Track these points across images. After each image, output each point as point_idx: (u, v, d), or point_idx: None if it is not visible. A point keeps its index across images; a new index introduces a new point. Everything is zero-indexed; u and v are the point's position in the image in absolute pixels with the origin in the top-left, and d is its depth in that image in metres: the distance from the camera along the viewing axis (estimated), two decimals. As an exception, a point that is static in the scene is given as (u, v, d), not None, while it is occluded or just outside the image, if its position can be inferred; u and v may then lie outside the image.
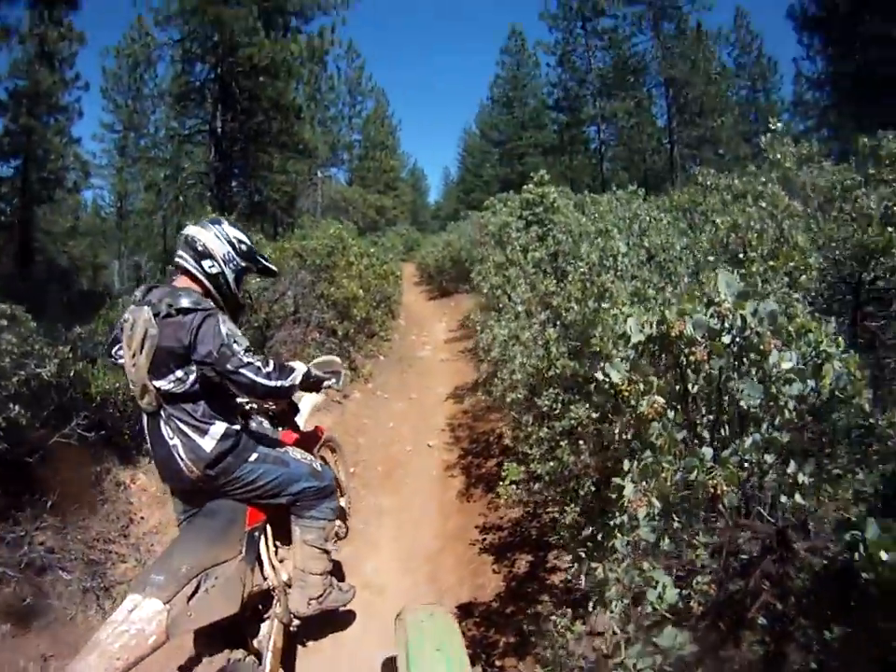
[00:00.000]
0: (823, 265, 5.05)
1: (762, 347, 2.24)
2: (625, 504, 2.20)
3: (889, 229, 4.46)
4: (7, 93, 19.06)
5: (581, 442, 4.50)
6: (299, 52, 22.81)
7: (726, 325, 2.30)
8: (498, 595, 5.36)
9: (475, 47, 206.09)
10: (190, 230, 3.38)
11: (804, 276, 4.59)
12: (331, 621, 4.34)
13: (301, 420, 4.26)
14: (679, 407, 2.55)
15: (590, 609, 2.55)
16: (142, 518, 5.86)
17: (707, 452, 2.24)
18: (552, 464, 5.08)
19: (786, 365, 2.25)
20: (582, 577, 2.49)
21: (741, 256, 4.88)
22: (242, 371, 3.08)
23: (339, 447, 5.03)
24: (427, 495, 7.43)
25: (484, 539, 6.22)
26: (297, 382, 3.36)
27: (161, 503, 5.92)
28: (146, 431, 3.35)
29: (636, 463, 2.25)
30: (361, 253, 13.22)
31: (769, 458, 2.36)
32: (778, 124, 6.53)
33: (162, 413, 3.21)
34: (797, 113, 32.86)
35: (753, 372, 2.34)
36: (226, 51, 21.81)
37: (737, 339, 2.29)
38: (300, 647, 4.20)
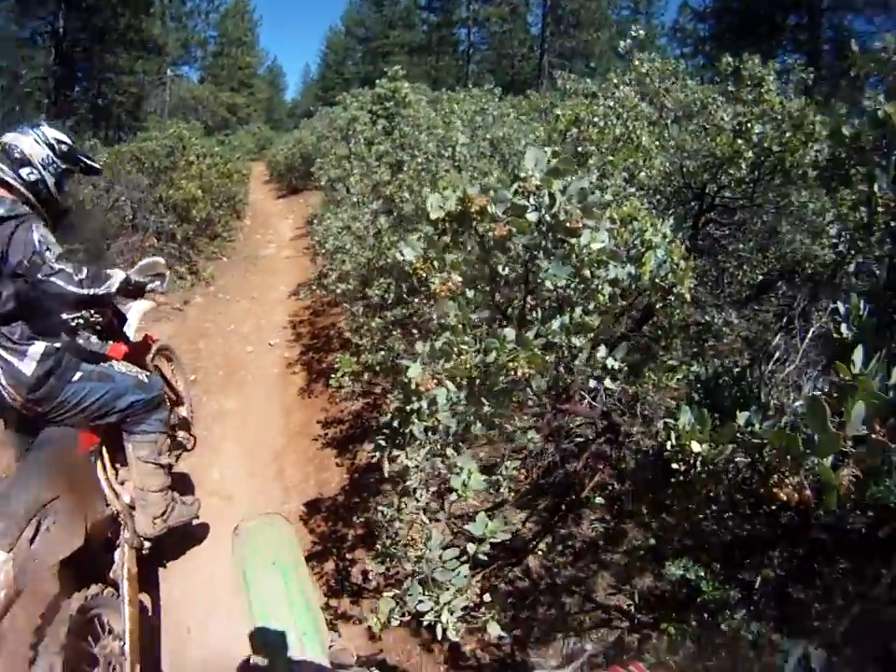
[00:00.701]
0: (670, 170, 5.14)
1: (569, 226, 2.13)
2: (413, 387, 2.11)
3: (739, 141, 4.53)
4: None
5: (415, 332, 4.48)
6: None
7: (532, 202, 2.16)
8: (343, 488, 5.38)
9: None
10: (7, 137, 3.17)
11: (643, 173, 4.65)
12: (185, 537, 4.27)
13: (130, 331, 4.12)
14: (479, 287, 2.47)
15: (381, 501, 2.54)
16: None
17: (509, 333, 2.14)
18: (382, 353, 5.07)
19: (596, 246, 2.17)
20: (385, 466, 2.43)
21: (579, 150, 4.84)
22: (52, 279, 2.91)
23: (175, 355, 4.89)
24: (269, 394, 7.34)
25: (327, 434, 6.22)
26: (113, 289, 3.20)
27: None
28: None
29: (427, 344, 2.14)
30: (203, 153, 12.76)
31: (578, 342, 2.30)
32: (640, 32, 6.44)
33: None
34: (675, 39, 33.16)
35: (561, 253, 2.25)
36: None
37: (546, 216, 2.15)
38: (160, 569, 4.19)
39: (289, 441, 6.28)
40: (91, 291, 3.05)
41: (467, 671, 3.66)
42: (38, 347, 3.07)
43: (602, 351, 2.43)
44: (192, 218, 11.21)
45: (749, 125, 4.55)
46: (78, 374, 3.23)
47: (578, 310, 2.27)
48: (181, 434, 4.44)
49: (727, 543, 2.58)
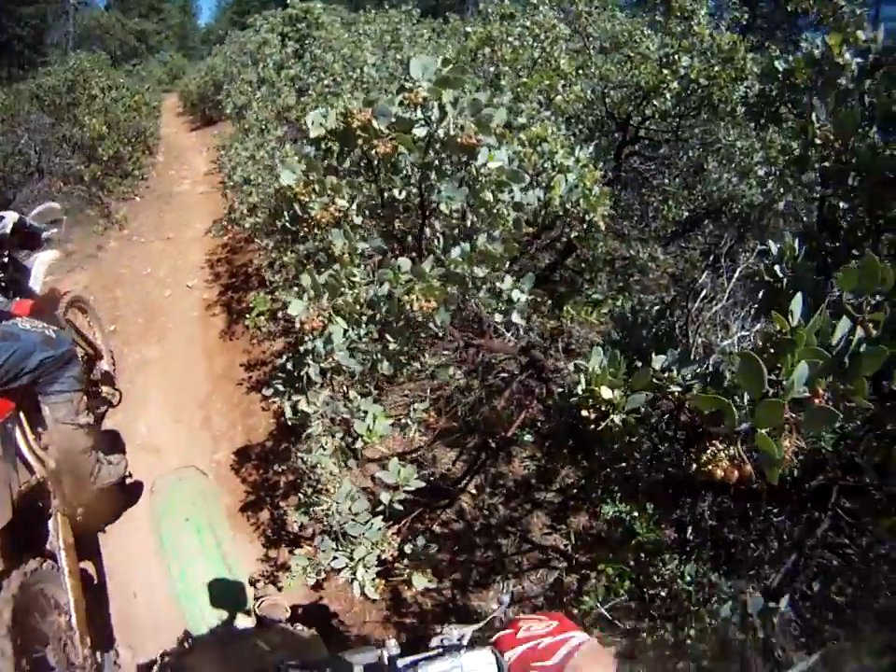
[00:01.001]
0: (592, 98, 5.03)
1: (462, 142, 1.93)
2: (297, 326, 1.96)
3: (665, 72, 4.47)
4: None
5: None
6: None
7: (419, 115, 1.96)
8: (271, 433, 5.30)
9: None
10: None
11: (559, 97, 4.46)
12: (120, 497, 4.12)
13: (35, 284, 3.92)
14: (372, 213, 2.34)
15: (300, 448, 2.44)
16: None
17: (404, 263, 1.96)
18: (296, 289, 4.82)
19: (494, 165, 1.98)
20: (287, 411, 2.29)
21: (492, 70, 4.68)
22: None
23: (90, 306, 4.64)
24: (190, 339, 7.18)
25: (251, 377, 6.13)
26: (7, 230, 3.13)
27: None
28: None
29: (307, 278, 1.97)
30: (108, 86, 12.24)
31: (481, 272, 2.11)
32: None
33: None
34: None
35: (456, 173, 2.09)
36: None
37: (439, 132, 1.97)
38: (99, 534, 4.03)
39: (214, 387, 6.18)
40: None
41: (409, 617, 3.62)
42: None
43: (507, 282, 2.28)
44: (100, 157, 10.73)
45: (676, 56, 4.50)
46: None
47: (481, 237, 2.07)
48: (105, 389, 4.27)
49: (658, 483, 2.53)
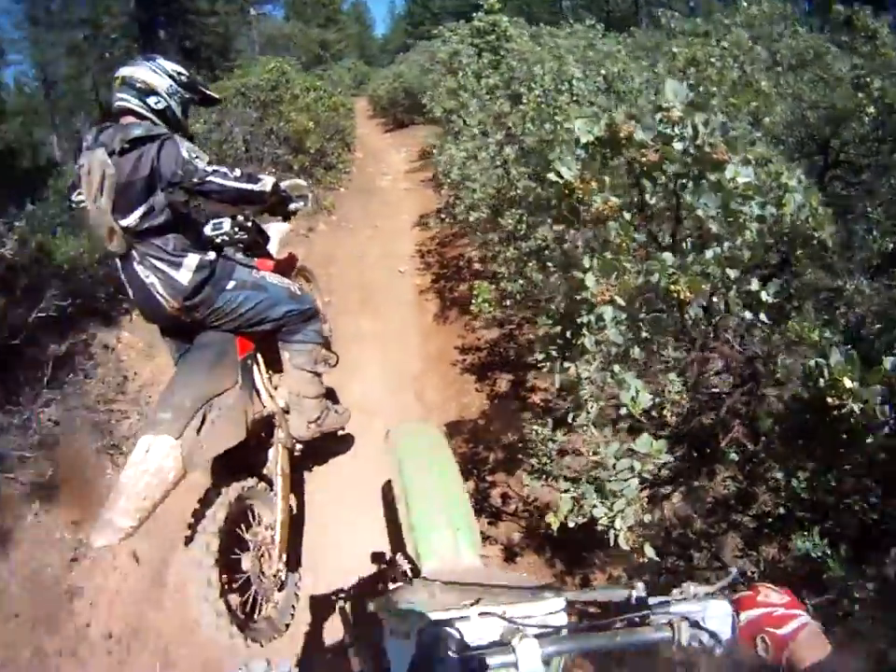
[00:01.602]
0: (790, 118, 4.96)
1: (715, 157, 2.20)
2: (589, 297, 2.20)
3: (860, 95, 4.35)
4: None
5: (548, 264, 4.52)
6: None
7: (677, 132, 2.24)
8: (483, 412, 5.50)
9: None
10: (125, 70, 3.30)
11: (767, 119, 4.52)
12: (331, 445, 4.55)
13: (273, 248, 4.26)
14: (634, 211, 2.55)
15: (568, 416, 2.64)
16: (135, 374, 5.92)
17: (668, 257, 2.24)
18: (521, 282, 5.18)
19: (742, 179, 2.21)
20: (556, 377, 2.51)
21: (701, 90, 4.80)
22: (210, 179, 3.12)
23: (313, 275, 5.08)
24: (405, 318, 7.52)
25: (465, 360, 6.37)
26: (267, 188, 3.39)
27: (149, 356, 6.00)
28: (121, 275, 3.39)
29: (596, 260, 2.23)
30: (307, 87, 12.78)
31: (732, 274, 2.37)
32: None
33: (134, 253, 3.24)
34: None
35: (708, 185, 2.28)
36: None
37: (690, 148, 2.23)
38: (305, 472, 4.49)
39: (428, 365, 6.46)
40: (249, 186, 3.27)
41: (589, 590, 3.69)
42: (193, 259, 3.27)
43: (755, 283, 2.48)
44: (306, 150, 11.34)
45: (868, 79, 4.36)
46: (232, 283, 3.44)
47: (726, 244, 2.33)
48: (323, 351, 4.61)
49: (862, 522, 2.49)
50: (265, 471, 3.76)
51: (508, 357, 6.19)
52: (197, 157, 3.12)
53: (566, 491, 2.53)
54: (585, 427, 2.60)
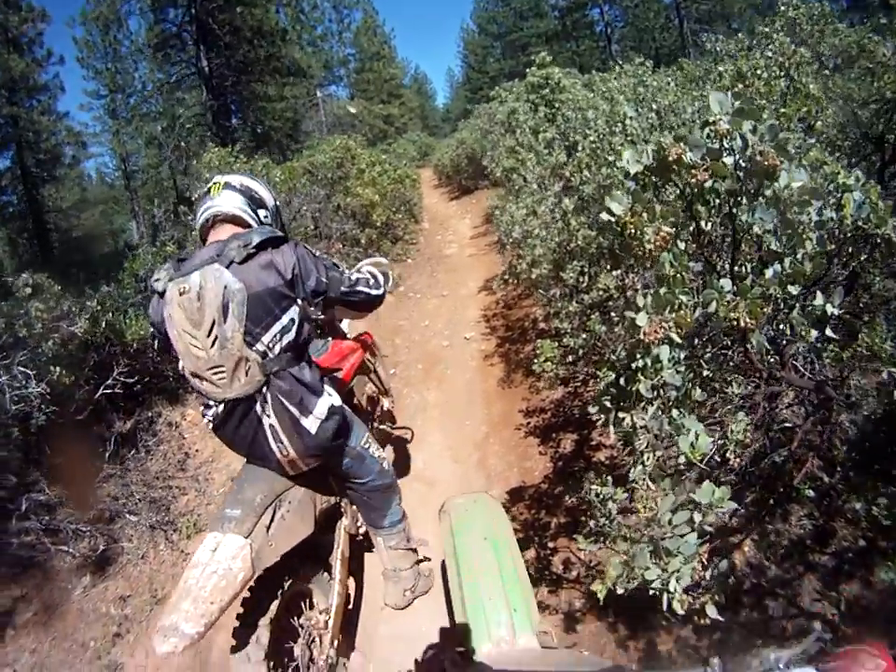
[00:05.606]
0: (842, 119, 4.82)
1: (766, 164, 2.01)
2: (642, 337, 2.03)
3: None
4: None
5: (612, 314, 4.42)
6: (271, -26, 22.69)
7: (725, 145, 2.07)
8: (546, 476, 5.37)
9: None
10: (237, 178, 2.95)
11: (818, 122, 4.37)
12: None
13: (345, 326, 4.13)
14: (689, 239, 2.41)
15: (626, 469, 2.46)
16: (196, 451, 6.00)
17: (726, 283, 2.08)
18: (584, 336, 5.02)
19: (796, 184, 2.03)
20: (611, 428, 2.33)
21: (747, 95, 4.67)
22: (358, 288, 2.93)
23: (377, 347, 4.93)
24: (469, 385, 7.44)
25: (529, 423, 6.23)
26: (390, 284, 3.24)
27: (212, 434, 6.06)
28: (218, 419, 2.88)
29: (649, 297, 2.06)
30: (372, 161, 13.08)
31: (794, 290, 2.15)
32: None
33: (266, 392, 2.68)
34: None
35: (763, 197, 2.11)
36: (195, -12, 21.67)
37: (740, 161, 2.07)
38: (366, 554, 4.27)
39: (491, 431, 6.34)
40: (383, 290, 3.10)
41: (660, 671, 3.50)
42: (323, 405, 2.78)
43: (819, 298, 2.26)
44: (373, 223, 11.53)
45: None
46: (347, 448, 3.17)
47: (787, 260, 2.14)
48: (395, 429, 4.61)
49: None
50: (328, 557, 3.60)
51: (572, 415, 5.99)
52: (335, 263, 2.84)
53: (622, 552, 2.35)
54: (642, 481, 2.41)
